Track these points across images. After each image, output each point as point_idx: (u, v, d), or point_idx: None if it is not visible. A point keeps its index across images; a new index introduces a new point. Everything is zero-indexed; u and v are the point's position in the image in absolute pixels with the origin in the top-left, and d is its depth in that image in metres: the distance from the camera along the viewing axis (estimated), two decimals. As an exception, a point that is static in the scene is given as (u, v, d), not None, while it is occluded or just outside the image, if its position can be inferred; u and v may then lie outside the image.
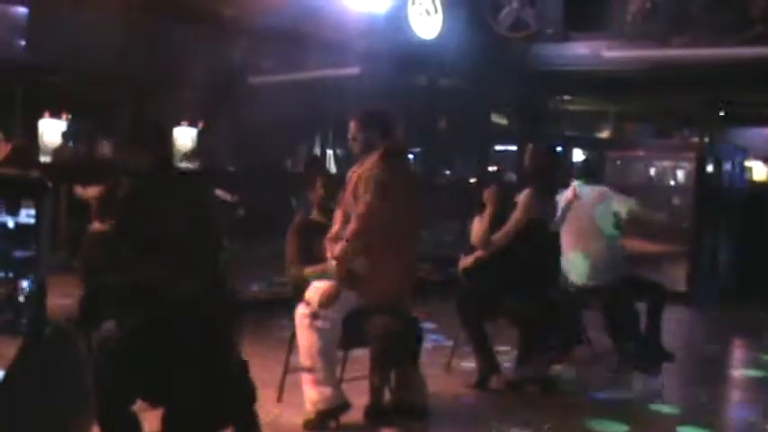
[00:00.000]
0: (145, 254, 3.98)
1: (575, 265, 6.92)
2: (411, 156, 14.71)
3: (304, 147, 12.41)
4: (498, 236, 6.29)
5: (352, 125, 5.32)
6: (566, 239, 6.89)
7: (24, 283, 2.96)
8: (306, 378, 5.09)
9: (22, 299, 2.98)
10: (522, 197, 6.34)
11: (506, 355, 6.50)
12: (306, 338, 5.07)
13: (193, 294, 3.95)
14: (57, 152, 13.33)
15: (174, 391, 3.87)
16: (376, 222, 5.05)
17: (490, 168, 14.46)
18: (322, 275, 5.21)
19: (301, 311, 5.13)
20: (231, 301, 4.31)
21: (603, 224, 6.97)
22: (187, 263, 4.04)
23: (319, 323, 5.04)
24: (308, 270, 5.33)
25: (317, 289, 5.10)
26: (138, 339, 3.90)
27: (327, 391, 5.05)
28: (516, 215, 6.27)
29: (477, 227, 6.39)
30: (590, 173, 7.30)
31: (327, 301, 5.04)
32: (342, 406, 5.10)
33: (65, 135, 14.14)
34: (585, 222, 6.96)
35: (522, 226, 6.24)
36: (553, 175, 6.60)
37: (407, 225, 5.29)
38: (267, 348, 6.16)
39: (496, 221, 6.32)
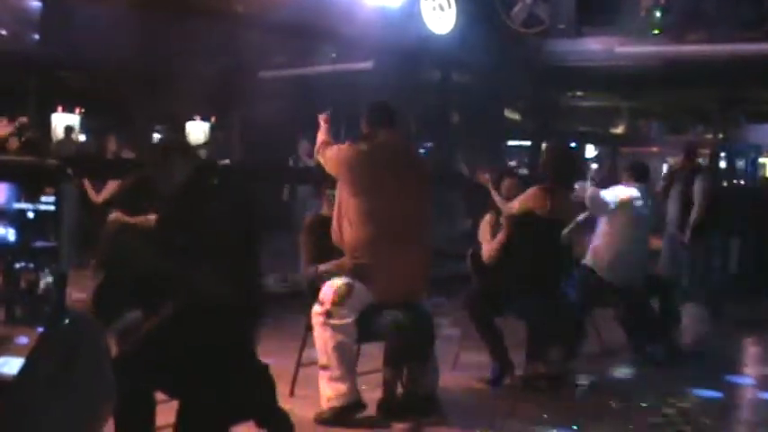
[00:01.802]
0: (190, 251, 4.00)
1: (612, 261, 6.95)
2: (421, 151, 14.71)
3: (306, 141, 12.25)
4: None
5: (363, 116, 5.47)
6: (608, 235, 6.93)
7: (44, 274, 2.96)
8: (322, 375, 5.10)
9: (42, 290, 2.98)
10: (529, 191, 6.34)
11: (517, 351, 6.48)
12: (321, 337, 5.09)
13: (231, 292, 3.97)
14: (58, 146, 13.38)
15: (194, 384, 3.88)
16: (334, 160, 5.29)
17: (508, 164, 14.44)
18: (335, 272, 5.22)
19: (316, 310, 5.14)
20: (259, 299, 4.33)
21: (647, 225, 7.08)
22: (230, 261, 4.07)
23: (334, 321, 5.05)
24: (322, 267, 5.34)
25: (330, 287, 5.12)
26: (168, 331, 3.90)
27: (343, 387, 5.05)
28: (515, 204, 6.28)
29: (489, 248, 6.38)
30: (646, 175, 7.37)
31: (341, 298, 5.06)
32: (356, 404, 5.10)
33: (68, 129, 14.19)
34: (636, 222, 7.03)
35: (517, 215, 6.25)
36: (568, 172, 6.57)
37: (409, 221, 5.26)
38: (279, 343, 6.16)
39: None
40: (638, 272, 7.12)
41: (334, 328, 5.05)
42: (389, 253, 5.11)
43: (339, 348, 5.05)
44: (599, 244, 7.01)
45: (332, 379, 5.06)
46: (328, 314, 5.06)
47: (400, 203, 5.20)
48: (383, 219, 5.12)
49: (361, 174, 5.18)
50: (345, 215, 5.18)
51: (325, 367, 5.08)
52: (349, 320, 5.08)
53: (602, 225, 7.04)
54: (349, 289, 5.07)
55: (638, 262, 7.11)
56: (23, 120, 10.32)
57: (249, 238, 4.33)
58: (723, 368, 7.16)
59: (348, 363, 5.12)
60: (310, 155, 11.69)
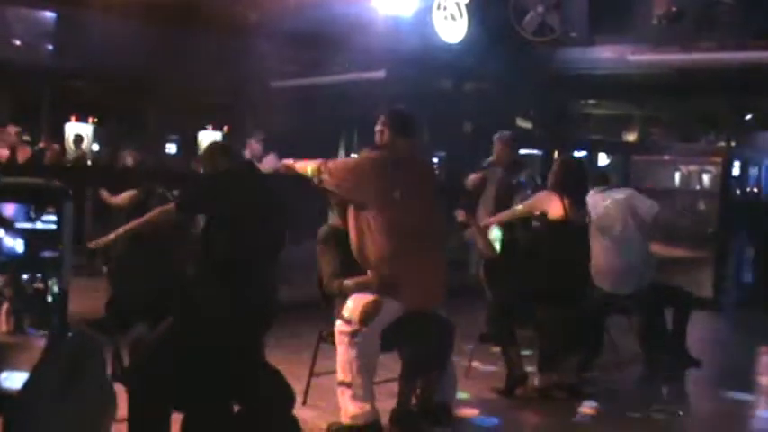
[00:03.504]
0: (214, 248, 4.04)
1: (603, 271, 6.88)
2: (433, 161, 14.73)
3: (255, 140, 11.45)
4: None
5: (381, 119, 5.34)
6: (594, 246, 6.84)
7: (52, 283, 3.00)
8: (344, 392, 5.03)
9: (50, 298, 3.02)
10: (540, 193, 6.39)
11: (531, 361, 6.47)
12: (346, 355, 5.01)
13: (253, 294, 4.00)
14: (75, 158, 13.46)
15: (202, 394, 3.89)
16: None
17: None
18: (363, 286, 5.13)
19: (340, 328, 5.05)
20: (274, 303, 4.36)
21: (631, 229, 6.93)
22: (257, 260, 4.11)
23: (359, 340, 4.98)
24: (349, 282, 5.19)
25: (356, 305, 5.03)
26: (172, 342, 3.93)
27: (366, 406, 5.01)
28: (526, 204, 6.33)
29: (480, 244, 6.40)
30: (605, 179, 7.27)
31: (369, 317, 4.98)
32: (377, 425, 5.06)
33: (77, 139, 14.25)
34: (614, 228, 6.91)
35: (523, 215, 6.35)
36: (579, 185, 6.54)
37: (429, 231, 5.23)
38: (291, 352, 6.19)
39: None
40: (633, 278, 6.90)
41: (360, 347, 4.98)
42: (414, 264, 5.08)
43: (364, 368, 5.00)
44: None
45: (355, 397, 4.99)
46: (354, 334, 4.98)
47: (420, 214, 5.17)
48: (406, 231, 5.08)
49: (385, 183, 5.11)
50: (368, 231, 5.11)
51: (347, 385, 5.01)
52: (374, 339, 5.02)
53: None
54: (377, 307, 4.99)
55: (627, 268, 6.89)
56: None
57: (276, 239, 4.39)
58: (738, 378, 7.14)
59: (370, 381, 5.08)
60: (259, 157, 10.95)
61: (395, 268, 5.05)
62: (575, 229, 6.37)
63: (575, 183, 6.44)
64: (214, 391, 3.88)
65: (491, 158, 8.32)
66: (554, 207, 6.28)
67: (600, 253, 6.80)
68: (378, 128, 5.34)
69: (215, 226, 4.22)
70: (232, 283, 4.04)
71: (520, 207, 6.50)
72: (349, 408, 5.02)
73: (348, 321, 5.02)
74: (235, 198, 4.21)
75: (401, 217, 5.09)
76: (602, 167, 7.64)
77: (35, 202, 3.09)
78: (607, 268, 6.84)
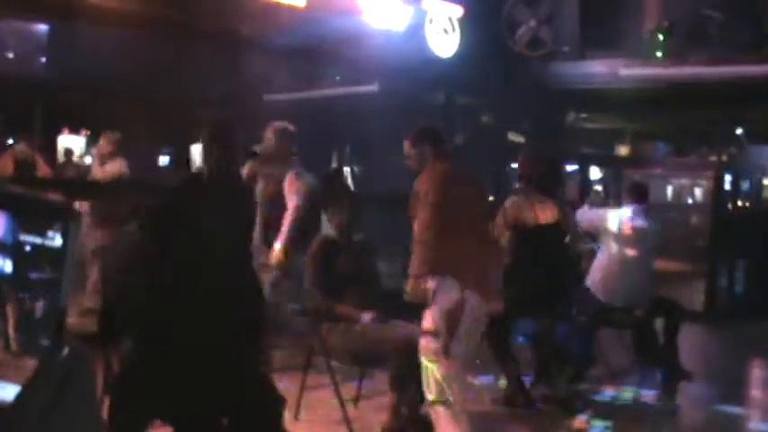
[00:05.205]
0: (180, 258, 3.98)
1: (610, 282, 6.89)
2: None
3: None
4: None
5: (405, 144, 5.16)
6: (606, 257, 6.90)
7: (40, 305, 2.98)
8: (439, 412, 4.69)
9: (37, 320, 3.00)
10: (506, 204, 6.31)
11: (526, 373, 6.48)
12: (444, 371, 4.66)
13: (228, 300, 3.97)
14: (59, 168, 13.43)
15: (189, 407, 3.88)
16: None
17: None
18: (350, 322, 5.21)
19: (433, 346, 4.69)
20: (260, 313, 4.33)
21: (653, 247, 7.01)
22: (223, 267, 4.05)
23: (454, 352, 4.69)
24: (342, 309, 5.29)
25: (437, 314, 4.71)
26: (154, 356, 3.92)
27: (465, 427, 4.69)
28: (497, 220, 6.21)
29: None
30: (645, 191, 7.28)
31: (454, 321, 4.67)
32: None
33: (67, 152, 14.23)
34: (633, 242, 6.95)
35: (500, 232, 6.14)
36: (544, 179, 6.45)
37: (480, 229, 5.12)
38: (281, 366, 6.17)
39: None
40: (639, 293, 6.92)
41: (453, 360, 4.71)
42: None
43: (462, 381, 4.79)
44: (597, 265, 6.96)
45: (457, 417, 4.64)
46: (447, 347, 4.66)
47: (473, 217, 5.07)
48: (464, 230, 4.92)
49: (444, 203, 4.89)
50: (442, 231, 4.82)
51: (444, 402, 4.66)
52: (460, 351, 4.74)
53: (602, 246, 6.99)
54: (459, 311, 4.68)
55: (638, 283, 6.90)
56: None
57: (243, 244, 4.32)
58: (730, 391, 7.15)
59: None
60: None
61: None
62: (550, 232, 6.33)
63: (542, 177, 6.35)
64: (199, 402, 3.86)
65: (260, 146, 7.09)
66: (524, 215, 6.19)
67: (621, 264, 6.83)
68: (410, 151, 5.13)
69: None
70: (194, 288, 3.97)
71: (498, 222, 6.37)
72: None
73: (436, 334, 4.68)
74: (194, 214, 4.10)
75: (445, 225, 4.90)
76: (636, 180, 7.63)
77: (35, 217, 3.04)
78: (614, 280, 6.86)
